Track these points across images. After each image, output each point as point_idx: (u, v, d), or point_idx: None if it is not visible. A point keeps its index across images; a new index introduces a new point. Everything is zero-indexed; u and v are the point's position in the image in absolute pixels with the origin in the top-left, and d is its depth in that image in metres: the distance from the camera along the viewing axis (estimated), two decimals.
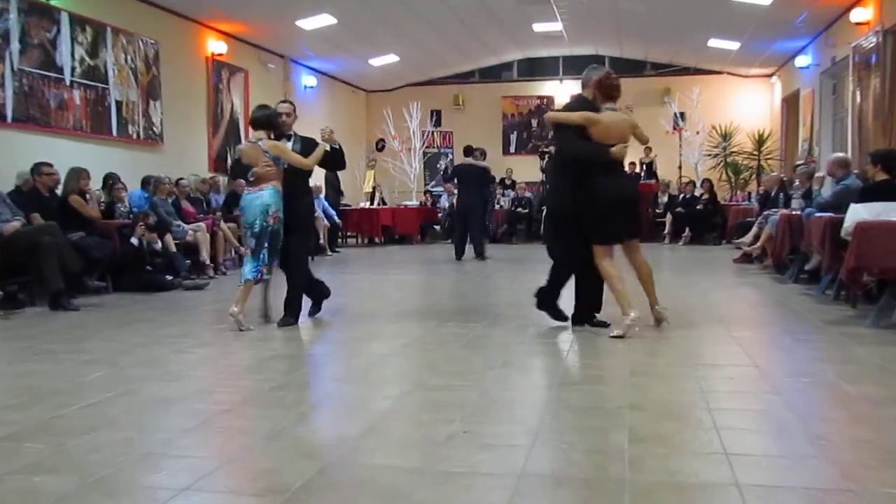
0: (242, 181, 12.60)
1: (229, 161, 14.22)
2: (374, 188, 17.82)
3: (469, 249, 12.66)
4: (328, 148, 6.40)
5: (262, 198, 6.08)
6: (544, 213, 6.70)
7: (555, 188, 6.53)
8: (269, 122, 6.33)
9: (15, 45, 9.47)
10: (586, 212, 5.64)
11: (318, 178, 16.18)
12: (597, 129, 5.62)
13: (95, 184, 9.42)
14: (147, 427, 3.50)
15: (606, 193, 5.61)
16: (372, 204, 17.31)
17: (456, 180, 13.63)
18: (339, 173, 16.51)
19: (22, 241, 7.41)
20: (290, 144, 6.42)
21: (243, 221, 6.37)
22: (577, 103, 5.94)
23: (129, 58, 11.59)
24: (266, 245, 6.10)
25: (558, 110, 6.07)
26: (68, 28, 10.36)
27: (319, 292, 6.82)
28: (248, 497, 2.68)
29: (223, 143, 14.16)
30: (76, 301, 7.48)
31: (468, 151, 13.15)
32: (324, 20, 14.29)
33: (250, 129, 6.56)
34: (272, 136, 6.28)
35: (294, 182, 6.34)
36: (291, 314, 6.33)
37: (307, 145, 6.46)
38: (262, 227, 6.06)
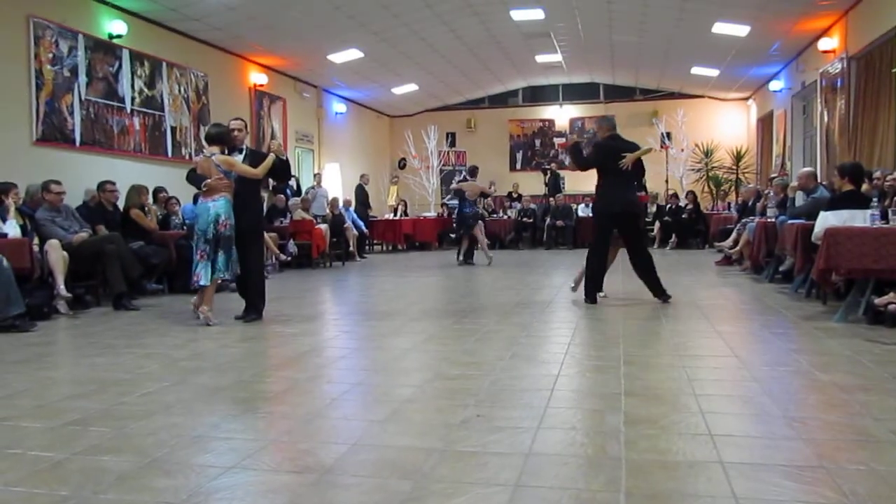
0: (283, 197, 12.76)
1: (269, 181, 14.28)
2: (398, 202, 17.87)
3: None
4: (276, 159, 6.32)
5: (215, 208, 6.04)
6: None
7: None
8: (222, 138, 6.27)
9: (82, 79, 9.57)
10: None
11: (349, 192, 16.27)
12: None
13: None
14: (198, 412, 3.50)
15: None
16: (395, 215, 17.33)
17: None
18: (368, 188, 16.64)
19: (88, 250, 7.45)
20: (240, 157, 6.34)
21: (197, 228, 6.18)
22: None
23: (181, 88, 11.67)
24: (221, 250, 6.07)
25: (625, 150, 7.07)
26: (128, 63, 10.45)
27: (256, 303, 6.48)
28: (287, 474, 2.67)
29: None
30: (136, 302, 7.53)
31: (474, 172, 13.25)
32: (352, 54, 14.37)
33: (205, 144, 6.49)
34: (225, 151, 6.24)
35: (243, 190, 6.28)
36: (255, 311, 6.34)
37: (256, 157, 6.41)
38: (214, 233, 6.03)
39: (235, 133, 6.40)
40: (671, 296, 7.02)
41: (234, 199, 6.20)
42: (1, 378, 4.31)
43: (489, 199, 16.71)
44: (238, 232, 6.19)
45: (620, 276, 7.62)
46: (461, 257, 12.56)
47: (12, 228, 6.98)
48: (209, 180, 6.11)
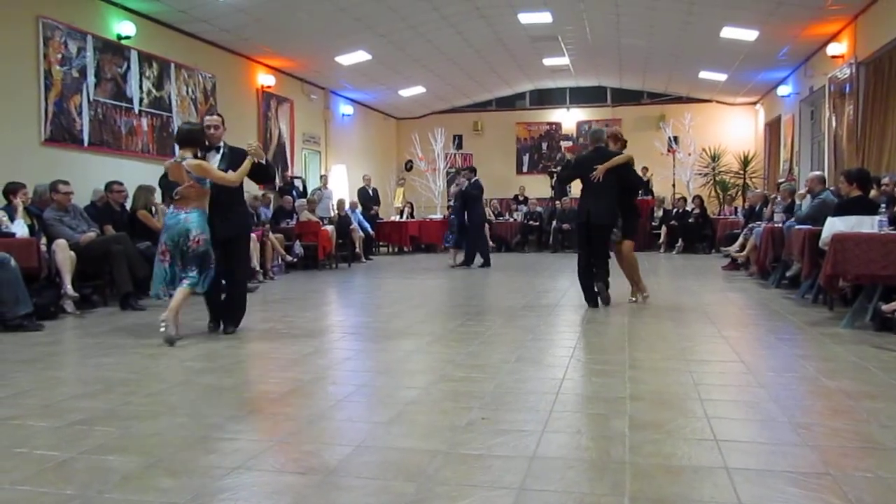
0: (289, 198, 12.76)
1: (277, 180, 14.30)
2: (404, 204, 17.88)
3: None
4: (254, 162, 5.65)
5: (186, 221, 5.38)
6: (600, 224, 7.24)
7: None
8: (194, 138, 5.58)
9: (91, 79, 9.61)
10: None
11: (355, 194, 16.30)
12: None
13: None
14: (203, 413, 3.51)
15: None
16: (401, 217, 17.34)
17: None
18: (372, 189, 16.65)
19: (96, 250, 7.48)
20: (218, 157, 5.69)
21: (165, 239, 5.46)
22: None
23: (189, 90, 11.71)
24: (195, 266, 5.42)
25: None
26: (137, 64, 10.49)
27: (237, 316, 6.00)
28: (291, 475, 2.67)
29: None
30: (143, 302, 7.54)
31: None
32: (359, 56, 14.38)
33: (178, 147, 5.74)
34: (199, 153, 5.57)
35: (226, 195, 5.65)
36: (233, 323, 5.81)
37: (237, 157, 5.69)
38: (184, 249, 5.40)
39: (212, 131, 5.70)
40: (598, 306, 7.10)
41: (216, 205, 5.59)
42: (8, 377, 4.33)
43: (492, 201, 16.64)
44: (223, 241, 5.65)
45: (626, 279, 7.61)
46: (459, 261, 12.53)
47: (20, 228, 7.01)
48: (180, 188, 5.44)
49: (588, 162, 7.31)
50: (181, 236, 5.39)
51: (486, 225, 14.42)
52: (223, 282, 5.84)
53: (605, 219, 7.19)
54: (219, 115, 6.01)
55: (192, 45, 11.77)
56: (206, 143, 5.69)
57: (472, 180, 12.58)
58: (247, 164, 5.63)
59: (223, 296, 5.90)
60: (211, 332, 5.82)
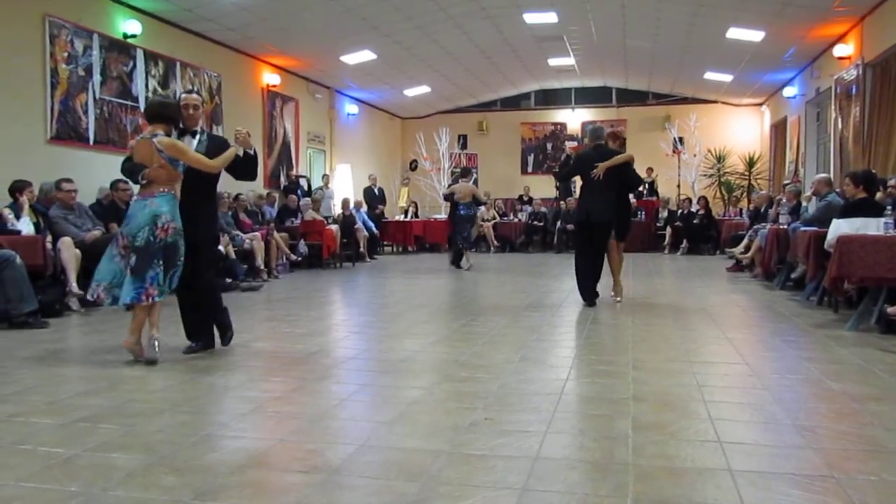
0: (294, 197, 12.70)
1: (282, 179, 14.32)
2: (408, 204, 17.88)
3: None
4: (240, 152, 4.95)
5: (152, 206, 4.58)
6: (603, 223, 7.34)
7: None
8: (167, 114, 4.81)
9: (97, 78, 9.63)
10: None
11: (358, 193, 16.30)
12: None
13: None
14: (207, 411, 3.52)
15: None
16: (406, 217, 17.35)
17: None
18: (378, 188, 16.65)
19: (101, 248, 7.45)
20: (195, 142, 4.93)
21: (126, 232, 4.66)
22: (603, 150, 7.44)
23: (195, 88, 11.71)
24: (159, 262, 4.60)
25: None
26: (143, 62, 10.52)
27: (224, 323, 5.16)
28: (295, 473, 2.67)
29: (276, 163, 14.29)
30: None
31: (465, 173, 12.99)
32: (365, 56, 14.40)
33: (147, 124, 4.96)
34: (173, 133, 4.82)
35: (197, 187, 4.86)
36: (197, 338, 5.05)
37: (216, 146, 4.98)
38: (148, 240, 4.55)
39: (190, 111, 4.94)
40: (594, 304, 7.26)
41: (183, 205, 4.77)
42: (13, 374, 4.34)
43: (487, 204, 16.52)
44: (190, 244, 4.79)
45: (631, 280, 7.62)
46: (461, 263, 12.17)
47: (26, 226, 7.04)
48: (148, 170, 4.65)
49: (588, 160, 7.38)
50: (147, 224, 4.57)
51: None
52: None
53: (606, 216, 7.29)
54: (199, 94, 5.28)
55: (197, 43, 11.79)
56: (182, 124, 4.95)
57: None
58: (231, 152, 4.89)
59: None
60: (189, 352, 4.97)
